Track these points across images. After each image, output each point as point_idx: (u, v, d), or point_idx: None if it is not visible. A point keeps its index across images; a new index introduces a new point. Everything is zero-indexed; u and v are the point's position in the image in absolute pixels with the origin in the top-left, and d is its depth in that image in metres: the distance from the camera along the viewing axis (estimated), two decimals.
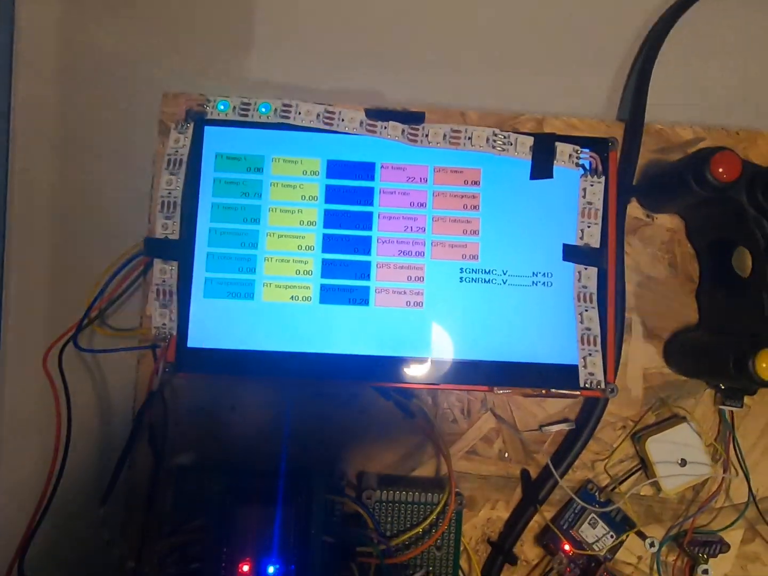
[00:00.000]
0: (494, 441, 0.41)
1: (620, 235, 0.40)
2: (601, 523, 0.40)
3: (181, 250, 0.38)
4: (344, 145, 0.39)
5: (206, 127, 0.39)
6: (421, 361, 0.38)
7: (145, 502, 0.37)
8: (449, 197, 0.39)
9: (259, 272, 0.38)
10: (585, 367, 0.38)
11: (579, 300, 0.39)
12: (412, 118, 0.39)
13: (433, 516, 0.38)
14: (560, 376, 0.38)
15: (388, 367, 0.38)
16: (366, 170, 0.39)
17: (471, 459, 0.41)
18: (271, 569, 0.34)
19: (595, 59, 0.44)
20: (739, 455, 0.41)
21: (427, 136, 0.39)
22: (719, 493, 0.41)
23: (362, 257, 0.39)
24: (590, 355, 0.38)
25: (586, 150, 0.39)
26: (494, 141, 0.39)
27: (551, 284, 0.39)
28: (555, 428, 0.41)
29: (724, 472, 0.40)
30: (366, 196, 0.39)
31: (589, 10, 0.44)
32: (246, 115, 0.39)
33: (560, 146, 0.39)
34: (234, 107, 0.39)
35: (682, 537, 0.40)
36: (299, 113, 0.39)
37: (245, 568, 0.34)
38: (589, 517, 0.40)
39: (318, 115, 0.39)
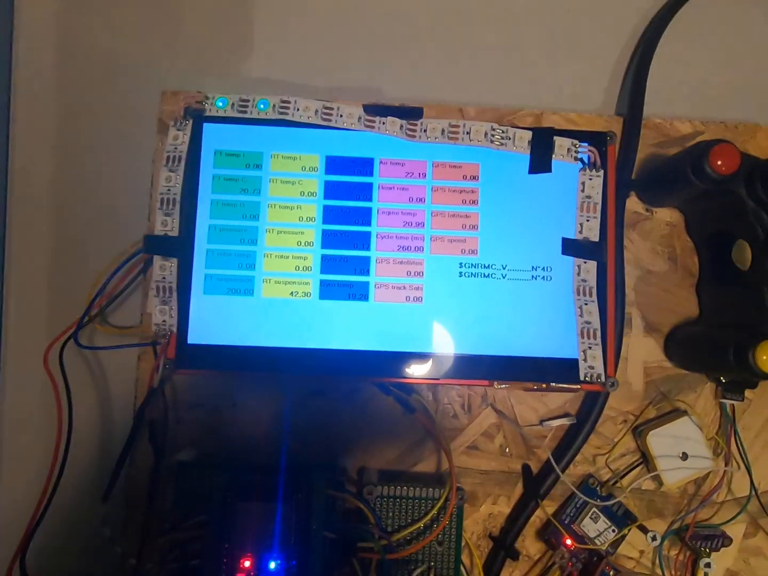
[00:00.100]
0: (495, 436, 0.41)
1: (619, 228, 0.40)
2: (602, 517, 0.40)
3: (180, 247, 0.38)
4: (343, 141, 0.39)
5: (205, 124, 0.39)
6: (420, 356, 0.38)
7: (146, 499, 0.37)
8: (448, 192, 0.39)
9: (258, 268, 0.39)
10: (585, 360, 0.38)
11: (578, 294, 0.38)
12: (410, 114, 0.39)
13: (434, 511, 0.38)
14: (560, 370, 0.38)
15: (387, 362, 0.38)
16: (365, 166, 0.39)
17: (472, 454, 0.41)
18: (272, 565, 0.34)
19: (594, 54, 0.45)
20: (741, 449, 0.41)
21: (425, 131, 0.39)
22: (721, 487, 0.41)
23: (361, 253, 0.39)
24: (590, 348, 0.38)
25: (585, 144, 0.40)
26: (492, 136, 0.39)
27: (551, 278, 0.39)
28: (556, 423, 0.41)
29: (726, 465, 0.40)
30: (365, 191, 0.39)
31: (587, 5, 0.45)
32: (244, 112, 0.39)
33: (558, 140, 0.39)
34: (232, 104, 0.39)
35: (684, 531, 0.40)
36: (298, 109, 0.39)
37: (246, 563, 0.34)
38: (591, 512, 0.40)
39: (316, 111, 0.39)
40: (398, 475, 0.40)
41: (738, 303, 0.39)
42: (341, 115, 0.39)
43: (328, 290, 0.39)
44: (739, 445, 0.41)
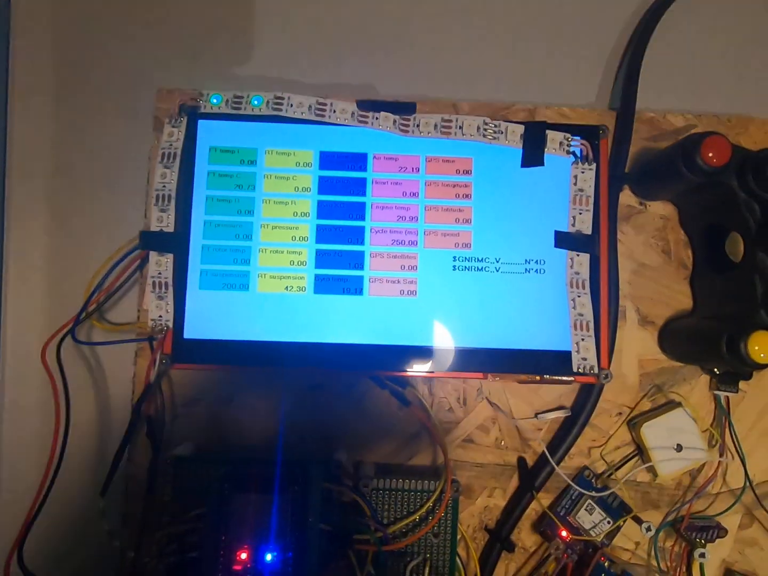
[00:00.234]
0: (490, 429, 0.42)
1: (612, 221, 0.40)
2: (597, 509, 0.40)
3: (176, 243, 0.38)
4: (336, 137, 0.40)
5: (200, 121, 0.39)
6: (415, 349, 0.38)
7: (144, 493, 0.38)
8: (441, 186, 0.40)
9: (253, 263, 0.39)
10: (578, 352, 0.38)
11: (571, 286, 0.39)
12: (403, 109, 0.40)
13: (430, 503, 0.38)
14: (554, 363, 0.39)
15: (382, 355, 0.38)
16: (358, 161, 0.40)
17: (467, 447, 0.41)
18: (268, 557, 0.35)
19: (587, 49, 0.45)
20: (735, 440, 0.41)
21: (418, 126, 0.40)
22: (715, 478, 0.41)
23: (356, 247, 0.39)
24: (583, 340, 0.38)
25: (577, 137, 0.40)
26: (485, 130, 0.39)
27: (544, 271, 0.39)
28: (551, 416, 0.41)
29: (720, 456, 0.40)
30: (359, 186, 0.39)
31: (580, 1, 0.45)
32: (239, 108, 0.39)
33: (551, 134, 0.40)
34: (227, 100, 0.39)
35: (679, 522, 0.40)
36: (291, 105, 0.39)
37: (243, 555, 0.34)
38: (586, 504, 0.40)
39: (310, 106, 0.39)
40: (394, 468, 0.41)
41: (731, 294, 0.39)
42: (334, 111, 0.39)
43: (322, 284, 0.39)
44: (734, 436, 0.41)
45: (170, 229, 0.38)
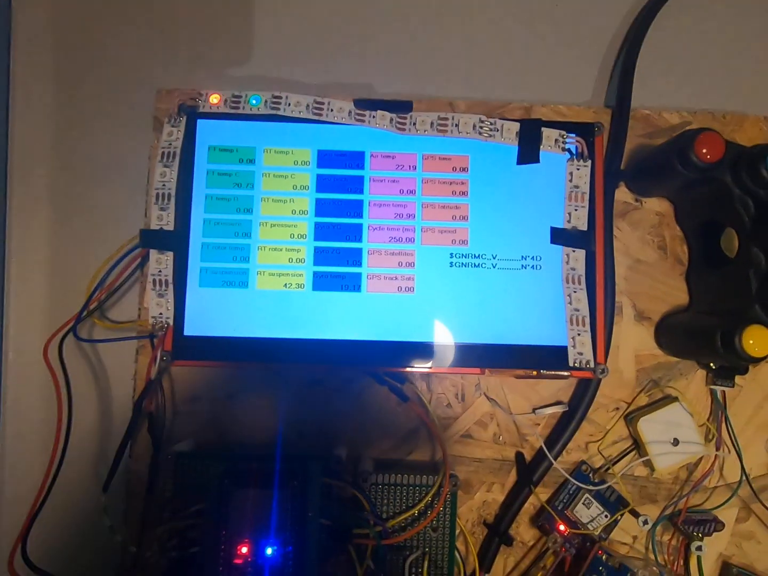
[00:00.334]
0: (488, 425, 0.42)
1: (608, 218, 0.41)
2: (595, 503, 0.40)
3: (176, 241, 0.39)
4: (334, 135, 0.40)
5: (199, 121, 0.40)
6: (412, 345, 0.39)
7: (146, 489, 0.38)
8: (438, 184, 0.40)
9: (252, 261, 0.39)
10: (574, 347, 0.39)
11: (567, 282, 0.39)
12: (400, 107, 0.40)
13: (429, 497, 0.38)
14: (551, 358, 0.39)
15: (380, 352, 0.39)
16: (356, 159, 0.40)
17: (466, 443, 0.42)
18: (269, 551, 0.35)
19: (582, 47, 0.45)
20: (732, 435, 0.41)
21: (414, 124, 0.40)
22: (712, 472, 0.41)
23: (354, 244, 0.39)
24: (579, 335, 0.39)
25: (572, 135, 0.40)
26: (481, 127, 0.40)
27: (540, 267, 0.40)
28: (548, 411, 0.41)
29: (717, 450, 0.41)
30: (356, 184, 0.40)
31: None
32: (237, 108, 0.40)
33: (546, 131, 0.40)
34: (225, 100, 0.40)
35: (676, 516, 0.41)
36: (289, 104, 0.40)
37: (244, 550, 0.35)
38: (584, 498, 0.40)
39: (307, 105, 0.40)
40: (393, 464, 0.41)
41: (726, 290, 0.39)
42: (332, 110, 0.40)
43: (321, 281, 0.39)
44: (730, 430, 0.41)
45: (170, 227, 0.39)
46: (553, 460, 0.40)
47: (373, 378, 0.40)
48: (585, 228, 0.39)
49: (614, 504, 0.40)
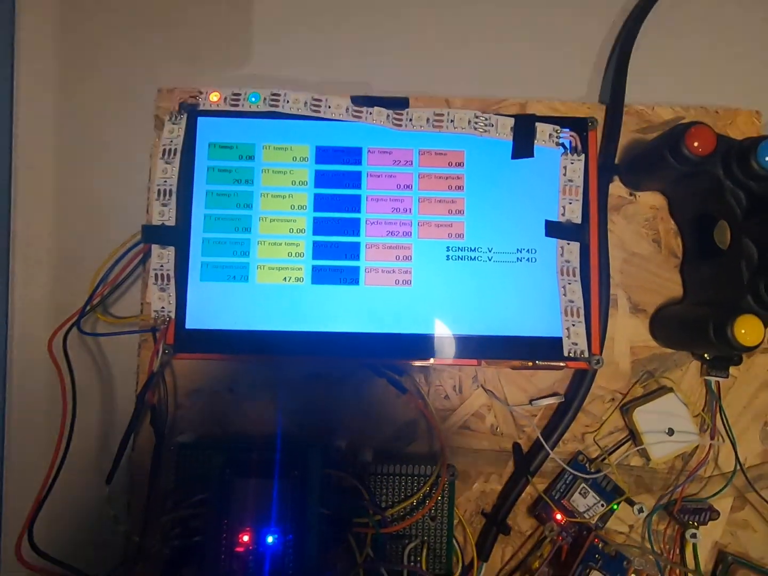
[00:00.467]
0: (486, 416, 0.42)
1: (602, 211, 0.41)
2: (591, 492, 0.41)
3: (177, 236, 0.40)
4: (332, 132, 0.41)
5: (199, 118, 0.40)
6: (410, 337, 0.39)
7: (149, 480, 0.39)
8: (434, 179, 0.41)
9: (252, 255, 0.40)
10: (569, 337, 0.39)
11: (562, 274, 0.40)
12: (396, 104, 0.41)
13: (427, 487, 0.39)
14: (546, 349, 0.39)
15: (378, 344, 0.39)
16: (353, 155, 0.41)
17: (464, 434, 0.42)
18: (269, 539, 0.36)
19: (577, 44, 0.46)
20: (726, 425, 0.42)
21: (411, 120, 0.41)
22: (707, 461, 0.42)
23: (352, 238, 0.40)
24: (573, 325, 0.39)
25: (566, 129, 0.41)
26: (476, 123, 0.41)
27: (535, 260, 0.40)
28: (545, 402, 0.42)
29: (711, 439, 0.41)
30: (354, 179, 0.41)
31: None
32: (236, 105, 0.40)
33: (540, 126, 0.41)
34: (225, 98, 0.40)
35: (672, 506, 0.41)
36: (287, 101, 0.40)
37: (245, 538, 0.36)
38: (580, 487, 0.41)
39: (305, 102, 0.40)
40: (392, 454, 0.42)
41: (719, 281, 0.40)
42: (329, 107, 0.40)
43: (319, 275, 0.40)
44: (725, 421, 0.42)
45: (171, 222, 0.39)
46: (549, 450, 0.40)
47: (371, 370, 0.41)
48: (579, 221, 0.40)
49: (610, 493, 0.41)
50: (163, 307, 0.39)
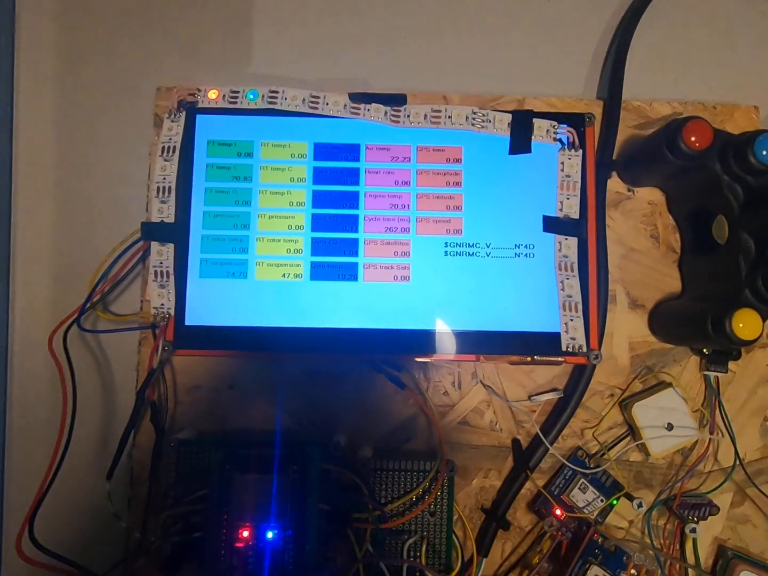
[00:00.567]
0: (485, 412, 0.43)
1: (601, 206, 0.41)
2: (591, 488, 0.41)
3: (176, 233, 0.40)
4: (330, 128, 0.41)
5: (198, 116, 0.41)
6: (408, 333, 0.40)
7: (149, 476, 0.39)
8: (432, 175, 0.41)
9: (251, 252, 0.40)
10: (567, 332, 0.39)
11: (560, 269, 0.40)
12: (394, 100, 0.41)
13: (426, 482, 0.39)
14: (545, 344, 0.40)
15: (377, 340, 0.40)
16: (351, 151, 0.41)
17: (463, 430, 0.42)
18: (269, 534, 0.36)
19: (574, 40, 0.46)
20: (726, 420, 0.42)
21: (408, 116, 0.41)
22: (706, 456, 0.41)
23: (350, 235, 0.40)
24: (572, 320, 0.39)
25: (563, 125, 0.41)
26: (473, 119, 0.41)
27: (533, 255, 0.40)
28: (544, 397, 0.42)
29: (711, 434, 0.41)
30: (352, 176, 0.41)
31: None
32: (235, 103, 0.41)
33: (537, 122, 0.41)
34: (223, 95, 0.41)
35: (671, 501, 0.41)
36: (285, 99, 0.41)
37: (245, 533, 0.36)
38: (579, 483, 0.41)
39: (304, 100, 0.41)
40: (391, 450, 0.42)
41: (717, 275, 0.40)
42: (327, 104, 0.41)
43: (318, 271, 0.40)
44: (724, 416, 0.42)
45: (171, 219, 0.40)
46: (549, 446, 0.40)
47: (370, 366, 0.41)
48: (577, 216, 0.40)
49: (610, 489, 0.41)
50: (162, 304, 0.39)
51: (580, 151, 0.41)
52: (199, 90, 0.41)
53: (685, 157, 0.37)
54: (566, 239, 0.40)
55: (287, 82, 0.43)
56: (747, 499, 0.42)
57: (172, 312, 0.39)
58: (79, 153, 0.44)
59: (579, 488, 0.41)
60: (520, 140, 0.40)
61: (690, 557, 0.41)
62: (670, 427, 0.41)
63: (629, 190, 0.44)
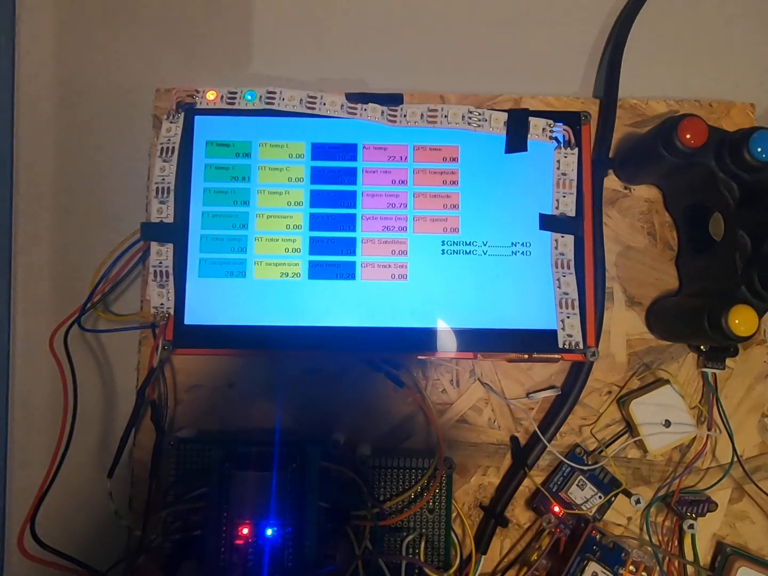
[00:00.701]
0: (483, 410, 0.43)
1: (597, 204, 0.41)
2: (589, 485, 0.41)
3: (175, 233, 0.40)
4: (327, 128, 0.41)
5: (196, 117, 0.41)
6: (406, 331, 0.40)
7: (149, 474, 0.39)
8: (429, 174, 0.41)
9: (250, 251, 0.40)
10: (563, 329, 0.39)
11: (557, 267, 0.40)
12: (390, 100, 0.41)
13: (425, 480, 0.39)
14: (542, 341, 0.40)
15: (375, 338, 0.40)
16: (349, 151, 0.41)
17: (461, 428, 0.43)
18: (269, 532, 0.36)
19: (570, 39, 0.46)
20: (723, 416, 0.42)
21: (405, 116, 0.41)
22: (704, 453, 0.42)
23: (348, 234, 0.41)
24: (568, 317, 0.39)
25: (559, 123, 0.41)
26: (470, 118, 0.41)
27: (530, 253, 0.40)
28: (542, 395, 0.42)
29: (709, 430, 0.41)
30: (349, 175, 0.41)
31: None
32: (233, 104, 0.41)
33: (533, 120, 0.41)
34: (221, 96, 0.41)
35: (670, 497, 0.41)
36: (283, 99, 0.41)
37: (245, 531, 0.36)
38: (578, 480, 0.41)
39: (301, 100, 0.41)
40: (390, 448, 0.42)
41: (713, 272, 0.40)
42: (324, 104, 0.41)
43: (316, 270, 0.40)
44: (722, 412, 0.42)
45: (170, 220, 0.40)
46: (547, 443, 0.41)
47: (369, 365, 0.41)
48: (573, 214, 0.40)
49: (608, 485, 0.41)
50: (162, 304, 0.40)
51: (576, 150, 0.41)
52: (198, 91, 0.41)
53: (680, 154, 0.38)
54: (562, 237, 0.40)
55: (285, 83, 0.43)
56: (745, 496, 0.42)
57: (172, 311, 0.40)
58: (79, 153, 0.44)
59: (577, 485, 0.41)
60: (517, 139, 0.41)
61: (688, 554, 0.41)
62: (667, 423, 0.41)
63: (626, 188, 0.44)
